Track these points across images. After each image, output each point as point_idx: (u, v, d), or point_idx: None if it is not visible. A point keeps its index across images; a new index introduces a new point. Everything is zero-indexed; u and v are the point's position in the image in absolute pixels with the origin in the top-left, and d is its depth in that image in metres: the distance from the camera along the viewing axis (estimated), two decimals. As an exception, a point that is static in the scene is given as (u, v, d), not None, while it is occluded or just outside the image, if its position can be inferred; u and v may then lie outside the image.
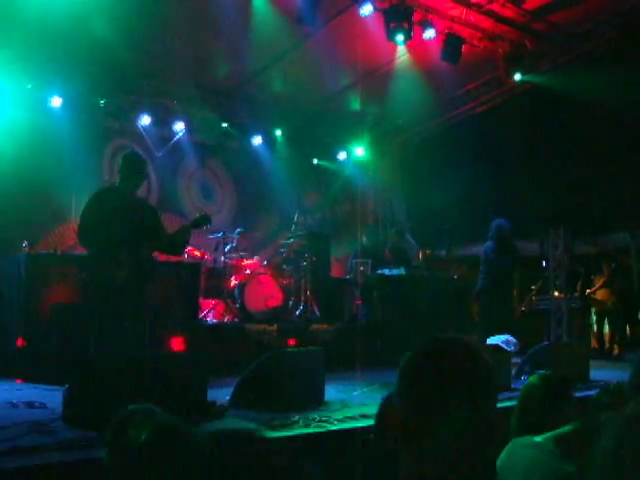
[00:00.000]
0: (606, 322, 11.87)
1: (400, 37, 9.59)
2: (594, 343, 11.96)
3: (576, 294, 11.82)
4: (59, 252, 8.67)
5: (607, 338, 11.82)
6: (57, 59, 10.41)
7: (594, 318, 12.17)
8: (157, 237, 6.33)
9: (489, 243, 9.49)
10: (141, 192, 7.32)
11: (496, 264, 9.30)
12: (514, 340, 9.51)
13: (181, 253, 7.04)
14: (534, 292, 12.63)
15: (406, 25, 9.53)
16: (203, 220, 6.62)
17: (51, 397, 5.66)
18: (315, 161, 14.64)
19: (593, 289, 11.92)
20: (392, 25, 9.50)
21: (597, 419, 2.64)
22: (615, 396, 2.95)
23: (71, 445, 3.94)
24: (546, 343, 8.70)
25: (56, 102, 10.91)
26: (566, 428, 2.43)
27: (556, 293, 11.70)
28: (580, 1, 9.69)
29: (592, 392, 3.64)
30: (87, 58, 10.70)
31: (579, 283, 12.07)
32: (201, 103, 12.57)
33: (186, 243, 6.79)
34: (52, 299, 7.85)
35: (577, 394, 6.43)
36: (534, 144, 11.65)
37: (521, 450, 2.37)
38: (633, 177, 10.65)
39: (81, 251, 6.79)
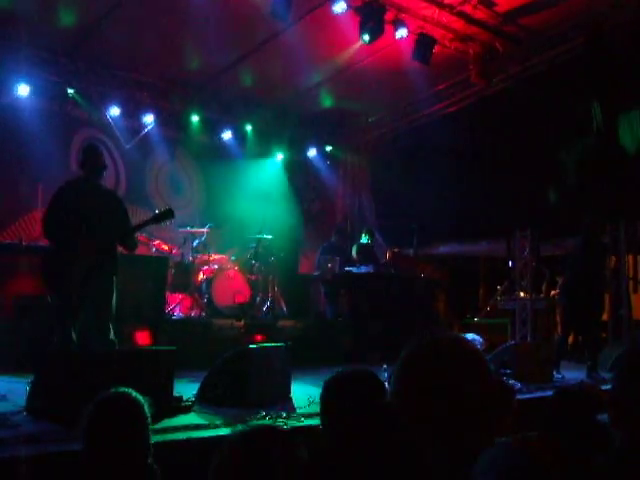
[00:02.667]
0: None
1: (372, 35, 9.61)
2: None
3: (541, 295, 11.96)
4: (24, 242, 8.55)
5: (571, 339, 11.97)
6: (24, 47, 10.31)
7: (558, 319, 12.32)
8: (121, 229, 6.28)
9: (579, 240, 9.04)
10: (109, 184, 7.26)
11: (581, 262, 8.83)
12: (480, 339, 9.61)
13: (132, 250, 6.82)
14: (500, 292, 12.75)
15: (378, 24, 9.55)
16: (166, 214, 6.45)
17: (13, 389, 5.58)
18: (285, 157, 14.62)
19: (558, 290, 12.07)
20: (364, 23, 9.51)
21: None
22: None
23: (36, 438, 3.89)
24: (511, 343, 8.78)
25: (23, 90, 10.75)
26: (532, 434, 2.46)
27: (522, 294, 11.82)
28: (550, 5, 9.78)
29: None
30: (55, 47, 10.61)
31: (544, 284, 12.22)
32: (171, 96, 12.50)
33: (135, 245, 6.63)
34: (16, 290, 7.75)
35: (540, 394, 6.55)
36: (502, 145, 11.74)
37: (494, 451, 2.39)
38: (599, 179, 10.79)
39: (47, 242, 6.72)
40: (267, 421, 4.79)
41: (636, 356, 1.89)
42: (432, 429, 1.36)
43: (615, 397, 1.82)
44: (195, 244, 10.96)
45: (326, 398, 2.63)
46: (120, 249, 6.47)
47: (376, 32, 9.57)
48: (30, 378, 4.92)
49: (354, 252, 11.80)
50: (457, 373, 1.37)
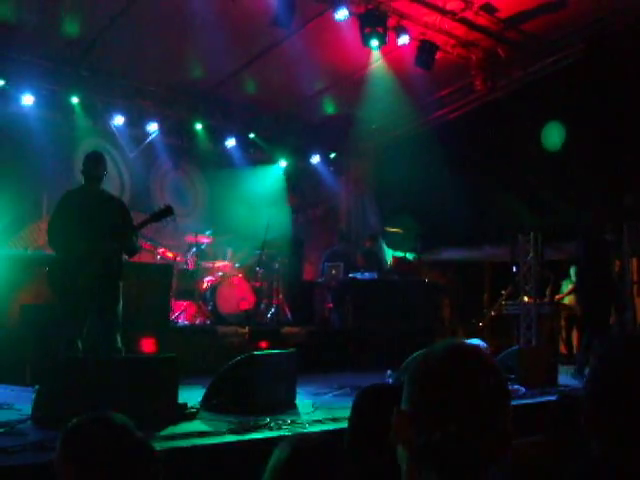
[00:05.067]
0: (574, 328, 12.01)
1: (375, 42, 9.66)
2: (563, 348, 12.09)
3: (545, 300, 11.94)
4: (30, 251, 8.59)
5: (575, 343, 11.97)
6: (28, 57, 10.38)
7: (563, 323, 12.31)
8: (126, 235, 6.29)
9: (581, 242, 8.97)
10: (114, 192, 7.27)
11: (589, 263, 8.78)
12: (484, 344, 9.58)
13: (132, 255, 6.85)
14: (504, 297, 12.73)
15: (381, 30, 9.59)
16: (165, 212, 6.48)
17: (19, 398, 5.61)
18: (288, 164, 14.66)
19: (562, 295, 12.07)
20: (367, 30, 9.56)
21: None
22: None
23: (43, 447, 3.91)
24: (516, 348, 8.77)
25: (28, 100, 10.81)
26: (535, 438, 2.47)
27: (526, 298, 11.81)
28: (551, 11, 9.81)
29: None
30: (58, 57, 10.67)
31: (548, 289, 12.20)
32: (175, 104, 12.55)
33: (135, 249, 6.63)
34: (22, 299, 7.77)
35: (545, 398, 6.55)
36: (506, 150, 11.75)
37: None
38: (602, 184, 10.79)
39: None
40: (272, 432, 4.80)
41: (605, 362, 1.90)
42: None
43: (587, 405, 1.83)
44: (199, 251, 10.99)
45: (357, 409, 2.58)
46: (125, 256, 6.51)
47: (380, 39, 9.63)
48: (36, 387, 4.94)
49: (358, 258, 11.82)
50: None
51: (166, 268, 9.84)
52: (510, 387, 6.89)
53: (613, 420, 1.70)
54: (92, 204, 6.25)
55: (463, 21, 10.22)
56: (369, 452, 2.33)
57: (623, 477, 1.53)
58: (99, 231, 6.10)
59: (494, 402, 1.35)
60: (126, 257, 6.57)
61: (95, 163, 6.42)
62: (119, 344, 6.12)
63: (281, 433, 4.63)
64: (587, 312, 9.07)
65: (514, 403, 3.92)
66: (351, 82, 11.78)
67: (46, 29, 9.72)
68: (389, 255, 13.31)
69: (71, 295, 5.96)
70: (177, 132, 13.07)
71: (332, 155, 15.01)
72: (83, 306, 5.99)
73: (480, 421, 1.33)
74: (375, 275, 10.80)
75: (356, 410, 2.46)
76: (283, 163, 14.54)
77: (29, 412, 4.83)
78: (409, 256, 12.71)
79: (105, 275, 6.07)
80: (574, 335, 12.03)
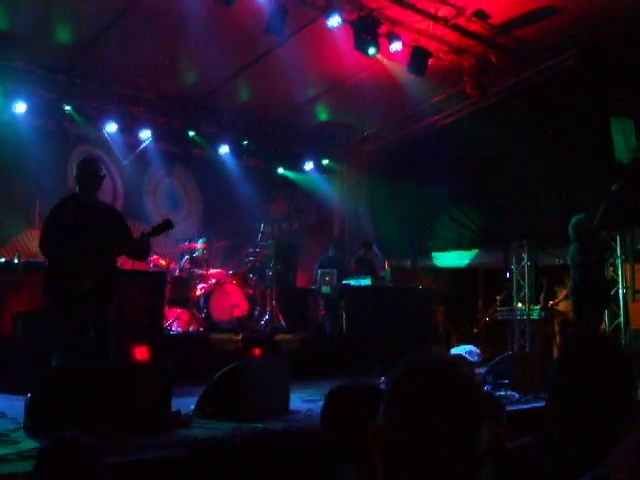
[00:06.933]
0: (568, 333, 12.04)
1: (368, 49, 9.68)
2: (556, 353, 12.10)
3: (539, 305, 11.97)
4: (22, 259, 8.56)
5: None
6: (20, 64, 10.38)
7: (557, 329, 12.33)
8: (122, 243, 6.27)
9: (573, 245, 8.80)
10: (107, 199, 7.25)
11: (584, 265, 8.68)
12: (477, 350, 9.60)
13: (144, 259, 6.91)
14: (498, 303, 12.76)
15: (373, 37, 9.62)
16: (165, 226, 6.48)
17: (11, 406, 5.58)
18: (282, 171, 14.68)
19: (556, 300, 12.09)
20: (360, 37, 9.58)
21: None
22: None
23: (35, 455, 3.88)
24: (509, 353, 8.78)
25: (20, 108, 10.80)
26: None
27: (519, 304, 11.84)
28: (544, 17, 9.85)
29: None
30: (51, 64, 10.66)
31: (542, 294, 12.22)
32: (168, 112, 12.55)
33: (148, 250, 6.66)
34: (15, 307, 7.74)
35: (539, 404, 6.56)
36: (498, 155, 11.77)
37: None
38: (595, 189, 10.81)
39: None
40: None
41: (563, 363, 1.93)
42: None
43: (547, 401, 1.86)
44: (193, 259, 10.98)
45: (327, 409, 2.63)
46: (121, 263, 6.50)
47: (373, 46, 9.66)
48: (29, 394, 4.92)
49: (352, 265, 11.83)
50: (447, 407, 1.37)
51: (159, 275, 9.83)
52: (504, 393, 6.91)
53: (566, 415, 1.74)
54: (87, 213, 6.21)
55: (455, 27, 10.25)
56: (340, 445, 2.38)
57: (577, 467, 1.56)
58: (94, 239, 6.08)
59: (467, 415, 1.35)
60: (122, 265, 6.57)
61: (89, 168, 6.38)
62: (112, 352, 6.09)
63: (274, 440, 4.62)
64: (578, 315, 9.08)
65: (508, 409, 3.93)
66: (344, 89, 11.81)
67: (39, 36, 9.71)
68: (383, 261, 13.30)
69: (66, 303, 5.93)
70: (170, 139, 13.06)
71: (325, 162, 15.02)
72: (78, 314, 5.97)
73: (454, 434, 1.33)
74: (369, 281, 10.78)
75: (328, 407, 2.53)
76: (277, 170, 14.55)
77: (22, 420, 4.81)
78: (403, 262, 12.72)
79: (100, 283, 6.05)
80: (568, 341, 12.04)
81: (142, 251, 6.45)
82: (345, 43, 9.81)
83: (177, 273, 10.95)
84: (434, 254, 13.64)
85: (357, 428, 2.19)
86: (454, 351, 8.42)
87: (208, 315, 10.30)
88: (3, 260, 8.80)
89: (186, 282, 10.71)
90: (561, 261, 11.17)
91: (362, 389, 2.58)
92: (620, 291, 10.84)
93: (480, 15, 9.99)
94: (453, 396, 1.35)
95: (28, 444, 4.26)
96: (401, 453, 1.35)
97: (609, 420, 1.78)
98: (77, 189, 6.39)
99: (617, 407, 1.80)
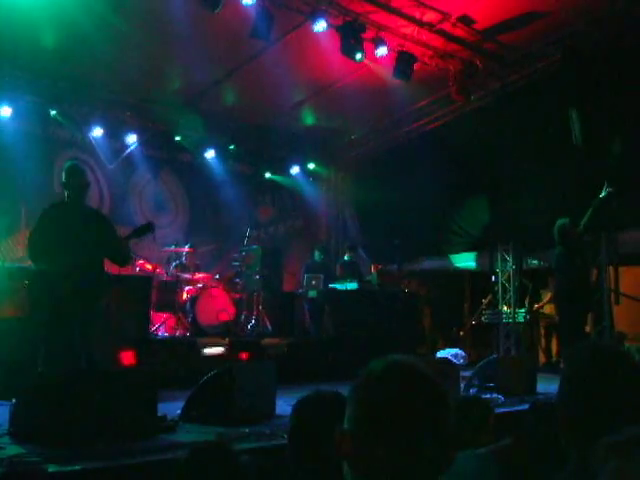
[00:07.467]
0: (554, 336, 12.09)
1: (355, 54, 9.71)
2: (542, 356, 12.17)
3: (524, 308, 12.03)
4: (7, 264, 8.53)
5: (554, 352, 12.05)
6: (5, 68, 10.33)
7: (542, 332, 12.39)
8: (108, 248, 6.25)
9: (558, 249, 8.69)
10: (93, 203, 7.23)
11: (568, 269, 8.56)
12: (463, 353, 9.64)
13: (124, 265, 6.87)
14: (484, 306, 12.81)
15: (358, 42, 9.65)
16: (145, 229, 6.45)
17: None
18: (268, 175, 14.69)
19: (541, 304, 12.16)
20: (347, 41, 9.60)
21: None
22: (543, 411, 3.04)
23: (20, 461, 3.88)
24: (494, 357, 8.81)
25: (5, 112, 10.76)
26: (505, 442, 2.49)
27: (505, 307, 11.90)
28: (528, 22, 9.92)
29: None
30: (37, 68, 10.62)
31: (527, 297, 12.29)
32: (154, 116, 12.53)
33: (128, 254, 6.62)
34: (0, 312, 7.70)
35: (524, 407, 6.58)
36: (484, 160, 11.83)
37: (464, 462, 2.41)
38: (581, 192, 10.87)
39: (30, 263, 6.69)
40: (251, 443, 4.79)
41: (574, 371, 1.92)
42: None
43: (559, 410, 1.85)
44: (179, 263, 10.96)
45: (294, 419, 2.62)
46: (107, 268, 6.47)
47: (358, 51, 9.69)
48: (12, 400, 4.89)
49: (338, 269, 11.85)
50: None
51: (145, 280, 9.81)
52: (489, 396, 6.93)
53: (581, 423, 1.73)
54: (74, 219, 6.20)
55: (441, 32, 10.30)
56: (307, 455, 2.39)
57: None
58: (81, 245, 6.06)
59: (432, 416, 1.37)
60: (109, 270, 6.54)
61: (76, 175, 6.36)
62: (97, 357, 6.08)
63: (260, 444, 4.62)
64: (562, 318, 9.11)
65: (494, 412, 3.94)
66: (330, 93, 11.83)
67: (23, 40, 9.66)
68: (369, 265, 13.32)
69: (51, 308, 5.91)
70: (156, 143, 13.05)
71: (312, 166, 15.04)
72: (63, 320, 5.95)
73: (419, 436, 1.34)
74: (355, 285, 10.80)
75: (295, 417, 2.55)
76: (264, 174, 14.57)
77: (6, 426, 4.79)
78: (389, 266, 12.74)
79: (86, 289, 6.03)
80: (553, 343, 12.10)
81: (121, 256, 6.42)
82: (331, 48, 9.83)
83: (164, 278, 10.92)
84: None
85: (323, 438, 2.19)
86: (440, 354, 8.46)
87: (194, 320, 10.29)
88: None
89: (172, 286, 10.69)
90: (546, 264, 11.25)
91: (327, 398, 2.58)
92: (604, 294, 10.90)
93: (465, 20, 10.05)
94: (419, 395, 1.37)
95: (13, 450, 4.24)
96: (367, 457, 1.37)
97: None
98: (65, 195, 6.39)
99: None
